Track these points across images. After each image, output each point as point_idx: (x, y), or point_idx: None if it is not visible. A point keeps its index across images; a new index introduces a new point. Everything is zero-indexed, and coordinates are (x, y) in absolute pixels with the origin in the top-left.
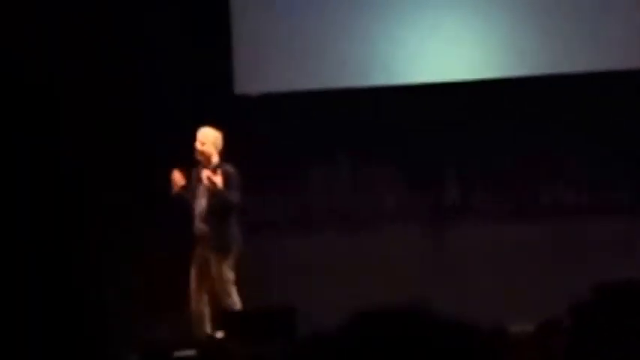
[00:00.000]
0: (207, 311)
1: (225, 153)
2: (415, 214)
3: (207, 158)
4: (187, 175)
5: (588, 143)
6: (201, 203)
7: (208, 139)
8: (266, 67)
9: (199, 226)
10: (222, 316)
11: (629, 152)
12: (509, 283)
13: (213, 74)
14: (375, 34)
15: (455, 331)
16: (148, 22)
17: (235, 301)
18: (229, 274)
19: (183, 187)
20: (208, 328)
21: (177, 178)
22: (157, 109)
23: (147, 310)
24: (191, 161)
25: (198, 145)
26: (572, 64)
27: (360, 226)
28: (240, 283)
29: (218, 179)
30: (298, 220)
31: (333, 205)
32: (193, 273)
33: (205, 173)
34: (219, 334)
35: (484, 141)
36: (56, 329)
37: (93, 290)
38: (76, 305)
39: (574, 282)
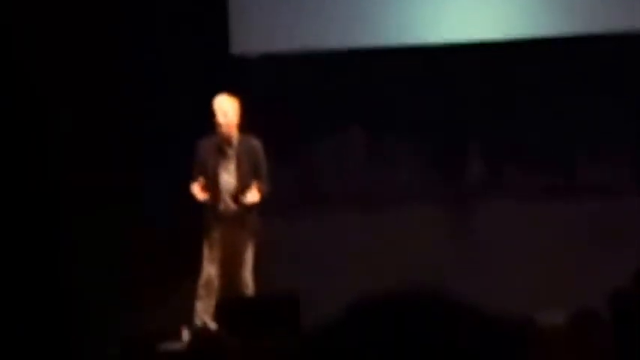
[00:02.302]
0: (215, 299)
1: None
2: (436, 191)
3: (231, 131)
4: (196, 146)
5: (631, 113)
6: (228, 180)
7: (230, 109)
8: (267, 25)
9: (230, 205)
10: (218, 305)
11: None
12: (540, 269)
13: (209, 34)
14: None
15: (476, 321)
16: None
17: (251, 290)
18: (251, 260)
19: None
20: (210, 318)
21: (200, 194)
22: (151, 72)
23: (132, 300)
24: (188, 126)
25: (221, 119)
26: (615, 22)
27: (374, 204)
28: None
29: (254, 196)
30: (304, 198)
31: (344, 181)
32: (212, 254)
33: (249, 199)
34: (213, 325)
35: (513, 110)
36: (36, 317)
37: (74, 279)
38: (56, 295)
39: (613, 268)
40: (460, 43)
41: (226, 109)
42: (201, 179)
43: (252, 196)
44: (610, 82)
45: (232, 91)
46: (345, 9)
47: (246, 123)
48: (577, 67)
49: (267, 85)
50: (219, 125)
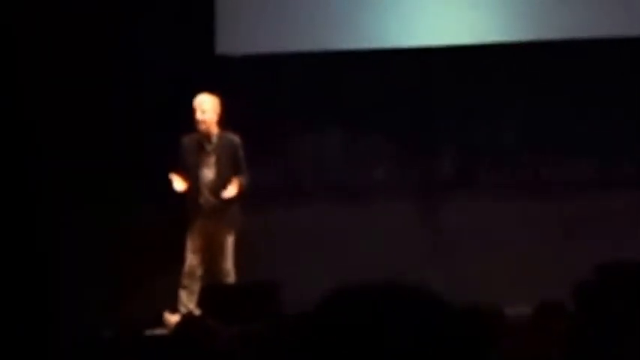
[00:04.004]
0: (197, 287)
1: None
2: (408, 187)
3: (210, 127)
4: (180, 143)
5: (596, 114)
6: (208, 175)
7: (209, 107)
8: (251, 26)
9: (209, 198)
10: (202, 291)
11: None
12: (508, 262)
13: (195, 34)
14: None
15: (446, 312)
16: None
17: (232, 279)
18: (231, 251)
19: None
20: (194, 305)
21: (178, 184)
22: (137, 70)
23: (122, 287)
24: (173, 123)
25: (199, 115)
26: (580, 29)
27: (349, 199)
28: None
29: (233, 191)
30: (283, 192)
31: (321, 175)
32: (194, 245)
33: (227, 193)
34: (197, 311)
35: (483, 110)
36: (20, 304)
37: (65, 263)
38: (48, 279)
39: (577, 262)
40: (433, 47)
41: (205, 106)
42: (178, 173)
43: (230, 190)
44: (576, 84)
45: (216, 89)
46: (324, 14)
47: (229, 120)
48: (545, 69)
49: (249, 84)
50: (198, 122)
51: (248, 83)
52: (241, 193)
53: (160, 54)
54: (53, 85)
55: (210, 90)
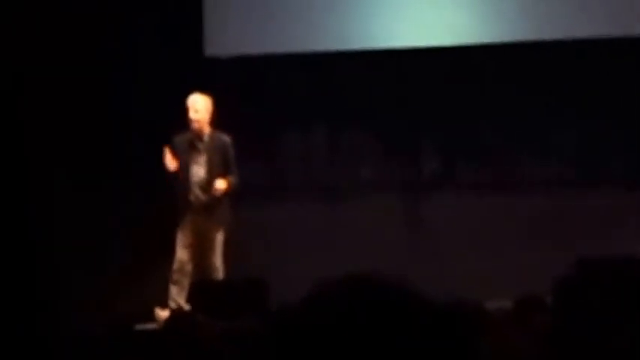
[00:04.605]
0: (187, 282)
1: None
2: (392, 184)
3: (202, 127)
4: (172, 141)
5: (574, 114)
6: (198, 172)
7: (202, 106)
8: (239, 28)
9: (199, 195)
10: (192, 287)
11: (617, 124)
12: (489, 258)
13: (183, 36)
14: None
15: (429, 306)
16: None
17: (221, 275)
18: (221, 247)
19: (174, 170)
20: (183, 300)
21: (171, 163)
22: (126, 72)
23: (113, 282)
24: (160, 123)
25: (192, 114)
26: (558, 30)
27: (335, 196)
28: None
29: (221, 185)
30: (271, 190)
31: (309, 173)
32: (184, 241)
33: (217, 186)
34: (187, 307)
35: (466, 110)
36: (11, 301)
37: (56, 260)
38: (39, 275)
39: (557, 257)
40: (415, 48)
41: (198, 106)
42: (169, 173)
43: (219, 184)
44: (557, 84)
45: (205, 89)
46: (311, 15)
47: (218, 119)
48: (526, 69)
49: (237, 85)
50: (191, 121)
51: (237, 84)
52: (230, 191)
53: (149, 56)
54: (46, 86)
55: (200, 91)
